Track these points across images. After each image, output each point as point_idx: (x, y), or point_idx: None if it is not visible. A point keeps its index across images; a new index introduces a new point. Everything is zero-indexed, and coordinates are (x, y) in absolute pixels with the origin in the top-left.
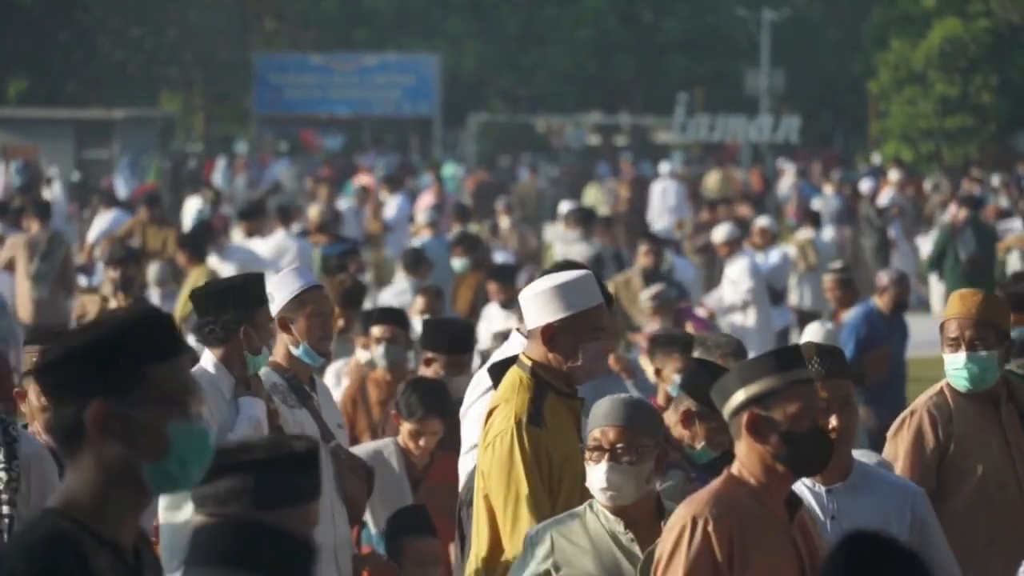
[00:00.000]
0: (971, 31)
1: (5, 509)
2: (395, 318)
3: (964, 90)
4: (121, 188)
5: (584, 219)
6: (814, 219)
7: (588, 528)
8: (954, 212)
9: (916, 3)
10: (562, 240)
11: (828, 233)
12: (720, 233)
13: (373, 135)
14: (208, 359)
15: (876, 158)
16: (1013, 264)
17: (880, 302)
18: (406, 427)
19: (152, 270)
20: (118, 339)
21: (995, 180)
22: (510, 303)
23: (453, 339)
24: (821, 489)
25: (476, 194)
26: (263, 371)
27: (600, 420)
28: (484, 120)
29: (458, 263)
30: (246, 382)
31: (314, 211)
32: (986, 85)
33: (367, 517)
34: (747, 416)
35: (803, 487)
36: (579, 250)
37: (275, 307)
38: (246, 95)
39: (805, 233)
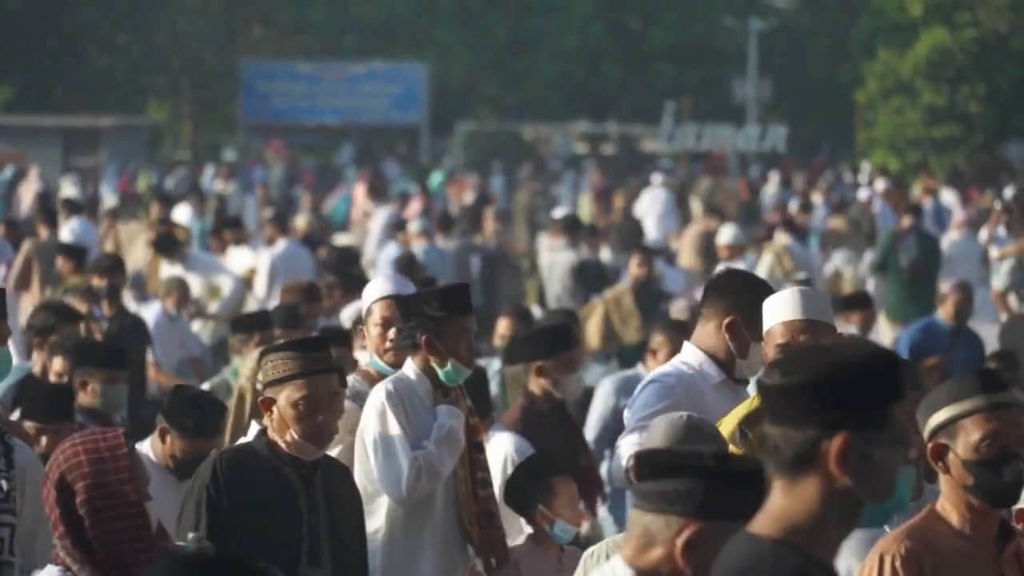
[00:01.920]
0: (958, 41)
1: (5, 518)
2: (337, 339)
3: (951, 100)
4: (108, 196)
5: (569, 227)
6: (790, 227)
7: None
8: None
9: (903, 12)
10: (548, 248)
11: (813, 242)
12: (724, 236)
13: (361, 144)
14: (409, 366)
15: (866, 167)
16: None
17: (943, 312)
18: None
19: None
20: (869, 375)
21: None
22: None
23: (556, 339)
24: None
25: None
26: (350, 377)
27: (653, 442)
28: (472, 129)
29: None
30: (446, 391)
31: (301, 220)
32: (973, 95)
33: None
34: (932, 448)
35: None
36: (564, 258)
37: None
38: (234, 103)
39: (781, 240)
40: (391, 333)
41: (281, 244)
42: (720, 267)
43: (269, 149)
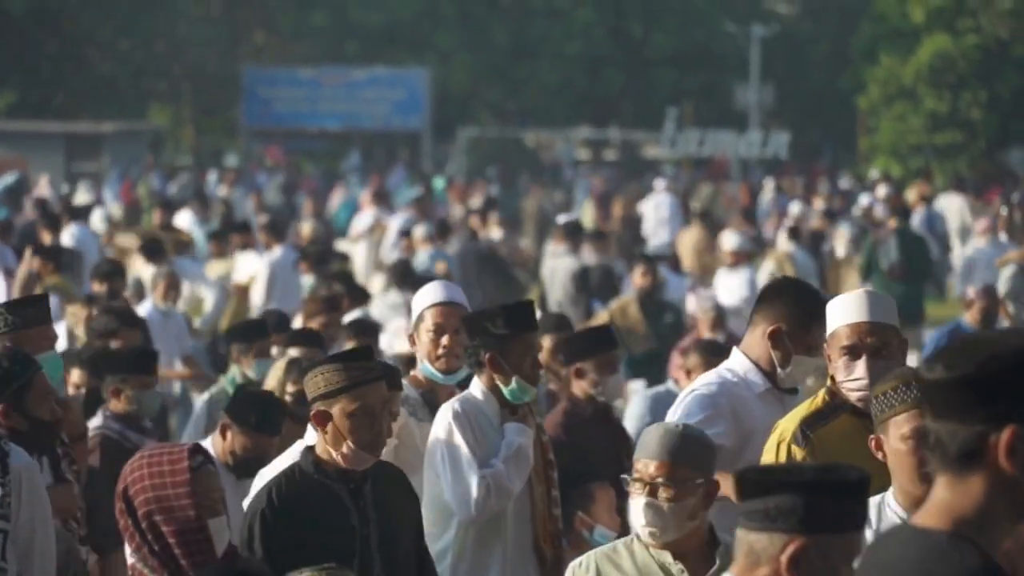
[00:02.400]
0: (960, 47)
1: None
2: (311, 340)
3: (953, 106)
4: (111, 201)
5: (571, 233)
6: (794, 234)
7: (637, 559)
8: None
9: (905, 19)
10: (550, 254)
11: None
12: (730, 242)
13: (363, 150)
14: (476, 385)
15: (874, 173)
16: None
17: (969, 317)
18: None
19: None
20: None
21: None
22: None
23: (596, 340)
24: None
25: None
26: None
27: (643, 451)
28: (474, 135)
29: (306, 280)
30: (513, 408)
31: (306, 227)
32: (975, 101)
33: None
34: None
35: (898, 520)
36: (566, 264)
37: (411, 322)
38: (235, 108)
39: (784, 247)
40: (444, 339)
41: (277, 251)
42: (721, 273)
43: (267, 155)
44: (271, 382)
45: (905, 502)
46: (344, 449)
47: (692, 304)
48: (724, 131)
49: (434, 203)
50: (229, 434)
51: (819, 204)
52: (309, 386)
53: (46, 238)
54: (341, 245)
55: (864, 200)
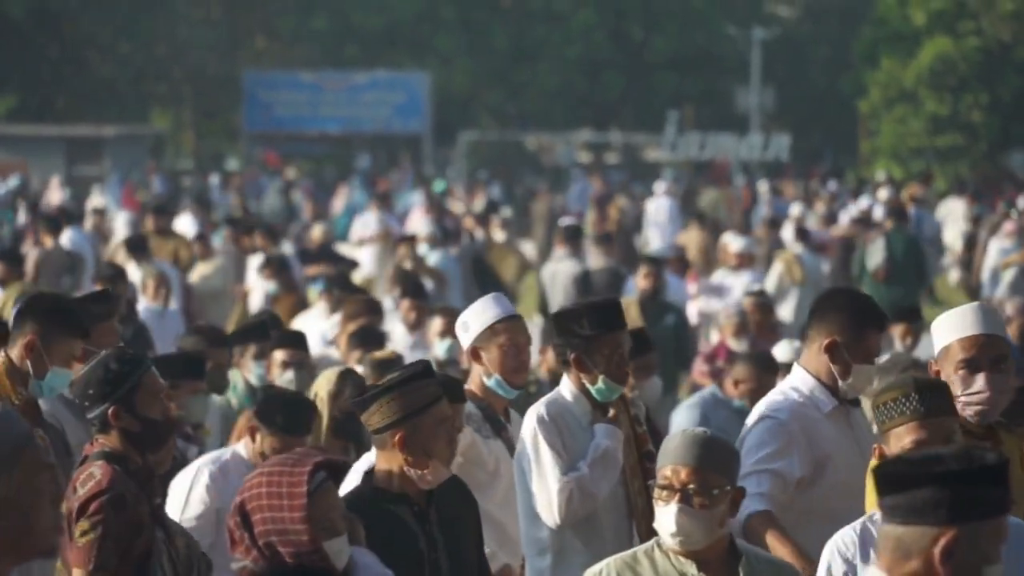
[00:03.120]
0: (961, 50)
1: None
2: (297, 342)
3: (954, 109)
4: (112, 205)
5: (572, 237)
6: (802, 235)
7: (658, 568)
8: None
9: (906, 22)
10: (552, 258)
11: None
12: (735, 244)
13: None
14: (565, 386)
15: (880, 175)
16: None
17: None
18: None
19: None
20: None
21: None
22: (419, 324)
23: (636, 346)
24: None
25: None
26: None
27: (672, 457)
28: (474, 138)
29: (269, 286)
30: (604, 409)
31: (317, 231)
32: (976, 104)
33: None
34: None
35: None
36: (567, 267)
37: (469, 336)
38: (236, 112)
39: (793, 249)
40: (521, 354)
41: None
42: (723, 274)
43: (266, 160)
44: (321, 393)
45: None
46: (423, 467)
47: (693, 308)
48: (725, 134)
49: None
50: (258, 436)
51: (820, 207)
52: (383, 411)
53: (46, 242)
54: (344, 248)
55: (864, 202)
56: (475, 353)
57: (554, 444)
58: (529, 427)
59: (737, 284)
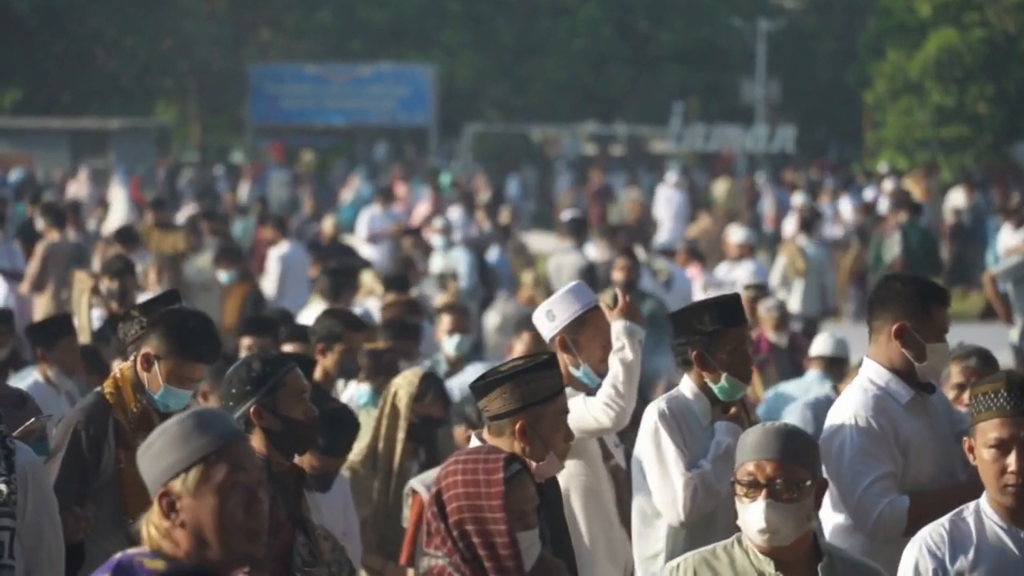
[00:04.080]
0: (967, 41)
1: (5, 522)
2: (265, 328)
3: (960, 100)
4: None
5: (577, 229)
6: (806, 226)
7: (736, 565)
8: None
9: (911, 13)
10: (557, 250)
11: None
12: (736, 235)
13: (370, 146)
14: (686, 384)
15: (883, 167)
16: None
17: None
18: None
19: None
20: None
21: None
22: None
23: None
24: (1019, 532)
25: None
26: None
27: (755, 452)
28: (480, 130)
29: (224, 275)
30: (724, 408)
31: (328, 224)
32: (982, 95)
33: None
34: None
35: (997, 529)
36: (572, 260)
37: (555, 326)
38: (241, 105)
39: (797, 240)
40: (610, 345)
41: (284, 246)
42: (725, 266)
43: (272, 152)
44: (402, 395)
45: (998, 511)
46: (546, 459)
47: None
48: (730, 126)
49: (444, 199)
50: None
51: (825, 199)
52: (496, 401)
53: (52, 235)
54: (352, 240)
55: (869, 194)
56: (562, 343)
57: (676, 440)
58: (650, 424)
59: (742, 276)
